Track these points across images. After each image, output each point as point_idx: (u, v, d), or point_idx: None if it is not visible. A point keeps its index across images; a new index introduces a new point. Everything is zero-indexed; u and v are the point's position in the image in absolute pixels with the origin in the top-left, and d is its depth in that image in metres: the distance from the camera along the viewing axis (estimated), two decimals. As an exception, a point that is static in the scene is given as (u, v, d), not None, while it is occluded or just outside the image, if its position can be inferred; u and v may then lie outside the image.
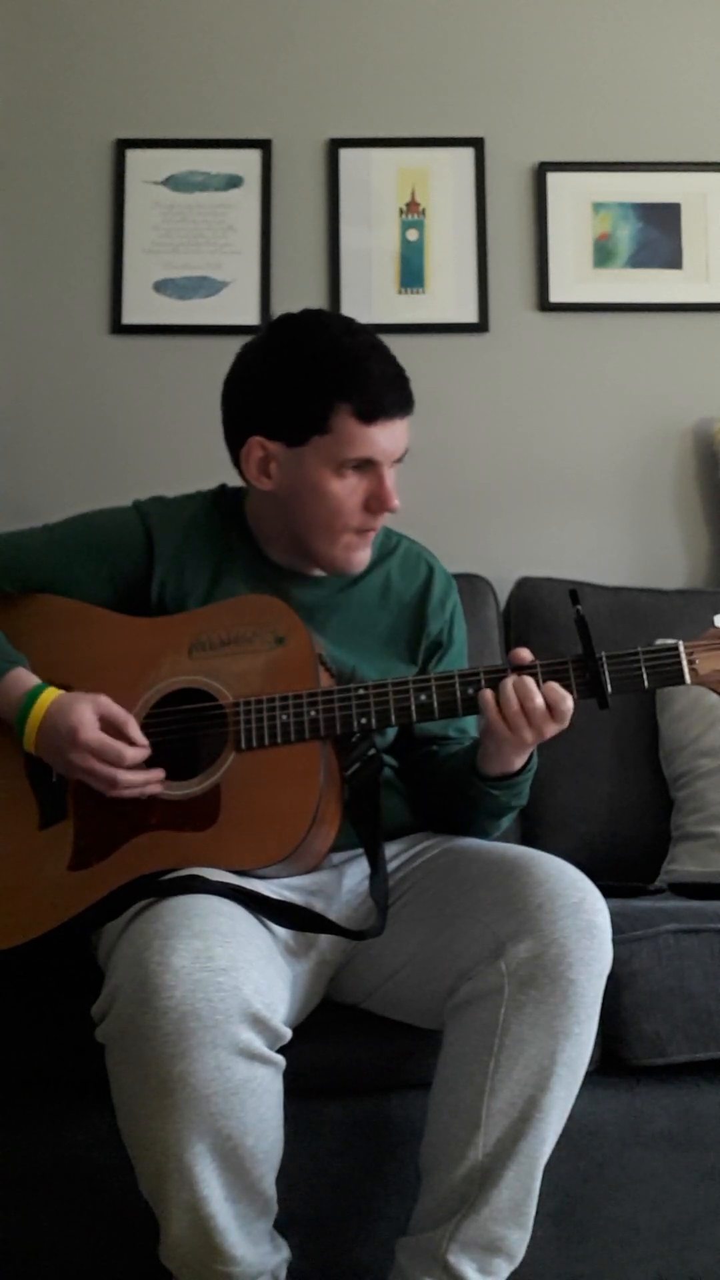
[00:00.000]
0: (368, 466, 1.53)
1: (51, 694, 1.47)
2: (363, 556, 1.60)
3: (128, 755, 1.43)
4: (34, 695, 1.46)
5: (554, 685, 1.42)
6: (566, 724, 1.43)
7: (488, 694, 1.43)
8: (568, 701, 1.42)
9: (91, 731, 1.42)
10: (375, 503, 1.54)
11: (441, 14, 2.52)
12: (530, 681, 1.42)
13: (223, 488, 1.71)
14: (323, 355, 1.52)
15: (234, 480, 1.72)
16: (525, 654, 1.45)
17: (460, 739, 1.67)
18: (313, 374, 1.51)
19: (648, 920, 1.60)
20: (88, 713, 1.43)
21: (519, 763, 1.49)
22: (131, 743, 1.45)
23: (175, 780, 1.46)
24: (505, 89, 2.51)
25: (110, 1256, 1.50)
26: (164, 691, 1.50)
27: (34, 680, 1.49)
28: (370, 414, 1.50)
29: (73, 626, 1.57)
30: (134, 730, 1.45)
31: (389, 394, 1.52)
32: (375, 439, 1.51)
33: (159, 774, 1.45)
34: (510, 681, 1.42)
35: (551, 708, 1.42)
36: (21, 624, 1.56)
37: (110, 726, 1.44)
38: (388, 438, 1.52)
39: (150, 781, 1.45)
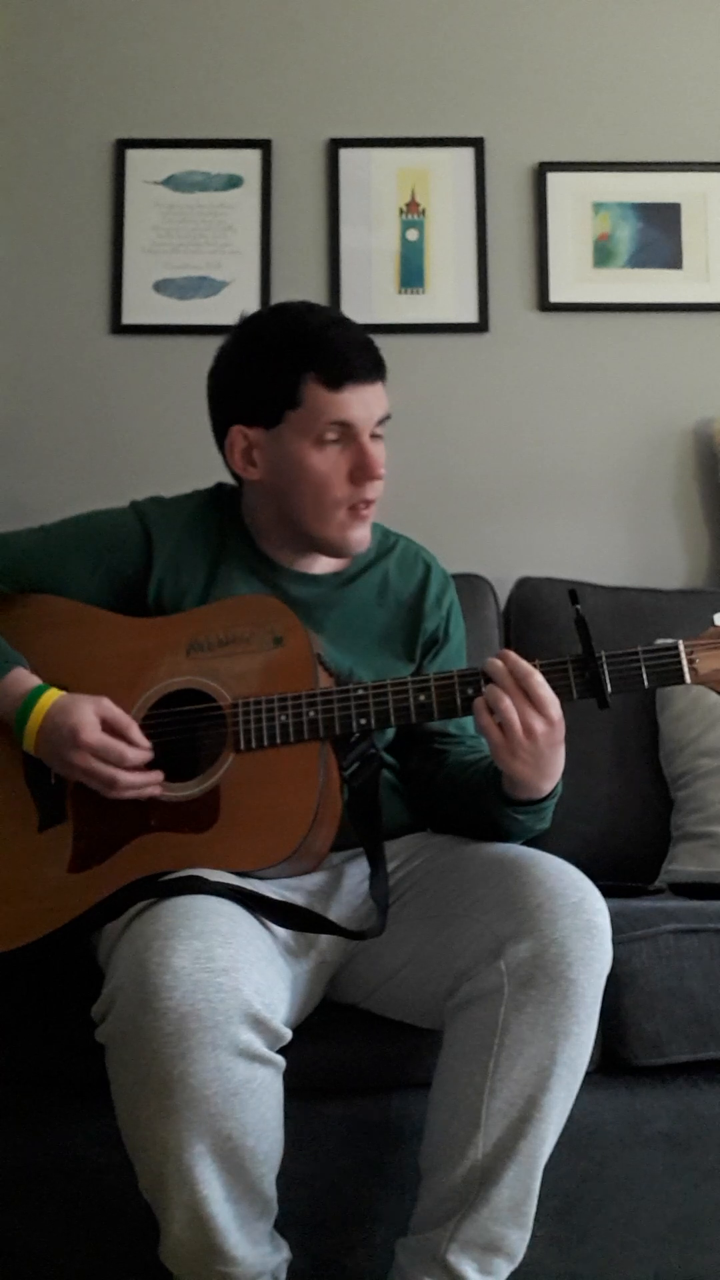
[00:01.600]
0: (346, 437, 1.54)
1: (53, 694, 1.47)
2: (360, 535, 1.59)
3: (129, 756, 1.44)
4: (35, 695, 1.47)
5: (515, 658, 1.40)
6: (555, 715, 1.40)
7: (479, 702, 1.41)
8: (536, 676, 1.39)
9: (93, 732, 1.43)
10: (359, 472, 1.54)
11: (441, 14, 2.52)
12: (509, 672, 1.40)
13: (219, 486, 1.71)
14: (285, 333, 1.55)
15: (231, 481, 1.73)
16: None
17: (460, 736, 1.66)
18: (278, 352, 1.54)
19: (648, 920, 1.60)
20: (89, 714, 1.43)
21: (547, 788, 1.46)
22: (133, 745, 1.45)
23: (174, 782, 1.46)
24: (505, 89, 2.51)
25: (110, 1256, 1.50)
26: (162, 692, 1.50)
27: (34, 680, 1.49)
28: (337, 380, 1.52)
29: (70, 627, 1.57)
30: (136, 734, 1.46)
31: (353, 358, 1.53)
32: (347, 404, 1.52)
33: (158, 776, 1.46)
34: (489, 689, 1.40)
35: (520, 679, 1.39)
36: (18, 624, 1.56)
37: (111, 729, 1.45)
38: (359, 403, 1.53)
39: (149, 784, 1.45)
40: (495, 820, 1.52)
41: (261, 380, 1.55)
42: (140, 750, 1.45)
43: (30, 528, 1.66)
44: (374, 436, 1.56)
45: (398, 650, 1.66)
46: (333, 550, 1.60)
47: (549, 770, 1.43)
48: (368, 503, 1.57)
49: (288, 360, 1.53)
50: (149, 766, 1.46)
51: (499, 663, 1.41)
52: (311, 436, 1.53)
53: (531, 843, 1.56)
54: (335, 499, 1.55)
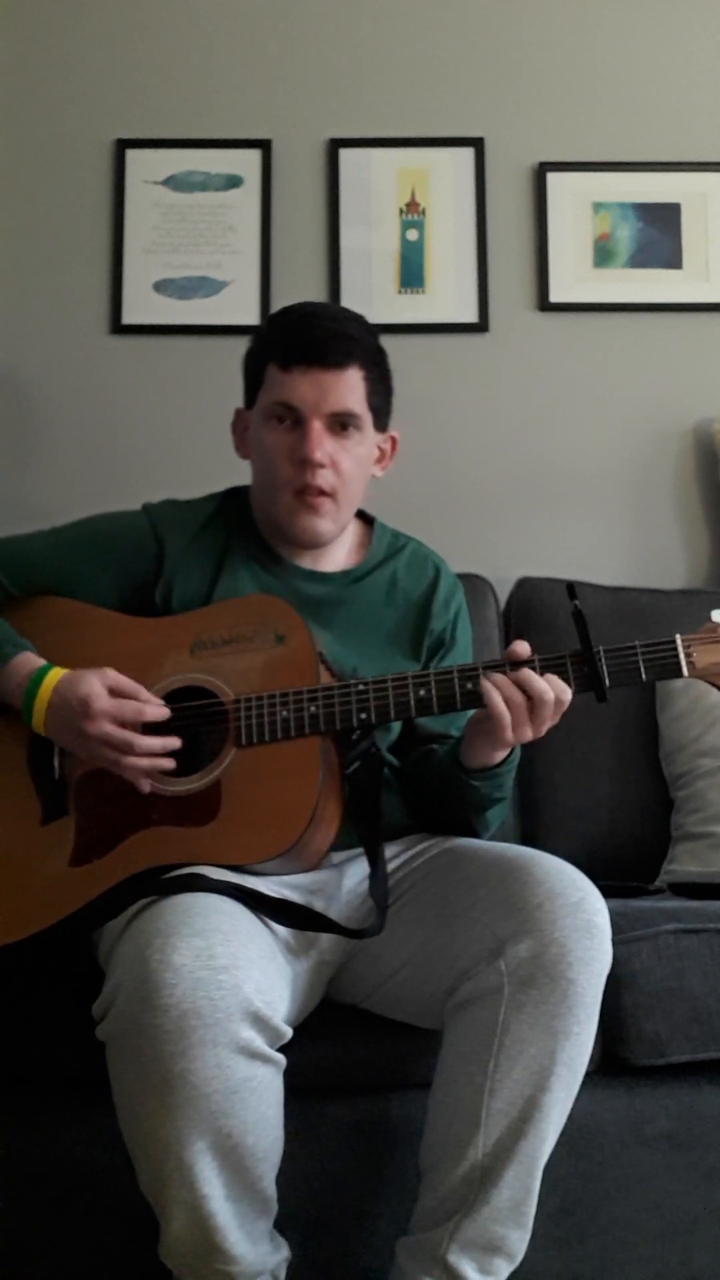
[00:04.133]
0: (295, 419, 1.57)
1: (58, 672, 1.48)
2: (309, 523, 1.60)
3: (147, 711, 1.45)
4: (41, 674, 1.48)
5: (554, 678, 1.42)
6: (558, 719, 1.43)
7: (489, 684, 1.41)
8: (567, 693, 1.42)
9: (104, 700, 1.43)
10: (296, 454, 1.57)
11: (441, 14, 2.51)
12: (534, 677, 1.41)
13: (234, 489, 1.72)
14: (269, 322, 1.65)
15: (231, 481, 1.73)
16: (523, 649, 1.44)
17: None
18: (256, 339, 1.66)
19: (648, 920, 1.60)
20: (96, 683, 1.45)
21: (499, 755, 1.49)
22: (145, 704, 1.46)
23: (177, 776, 1.46)
24: (505, 89, 2.51)
25: (110, 1256, 1.50)
26: (166, 690, 1.50)
27: (39, 661, 1.50)
28: (286, 360, 1.57)
29: (75, 627, 1.57)
30: (146, 695, 1.47)
31: (308, 342, 1.57)
32: (293, 384, 1.56)
33: (175, 742, 1.45)
34: (511, 676, 1.41)
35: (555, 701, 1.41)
36: (24, 624, 1.57)
37: (120, 695, 1.45)
38: (307, 385, 1.56)
39: (167, 746, 1.45)
40: (457, 793, 1.53)
41: (247, 365, 1.66)
42: (157, 707, 1.46)
43: (40, 531, 1.66)
44: (336, 429, 1.58)
45: (405, 650, 1.66)
46: (290, 537, 1.62)
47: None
48: (315, 490, 1.57)
49: (260, 346, 1.64)
50: (163, 729, 1.46)
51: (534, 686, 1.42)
52: (264, 414, 1.60)
53: (531, 842, 1.56)
54: (278, 480, 1.59)
